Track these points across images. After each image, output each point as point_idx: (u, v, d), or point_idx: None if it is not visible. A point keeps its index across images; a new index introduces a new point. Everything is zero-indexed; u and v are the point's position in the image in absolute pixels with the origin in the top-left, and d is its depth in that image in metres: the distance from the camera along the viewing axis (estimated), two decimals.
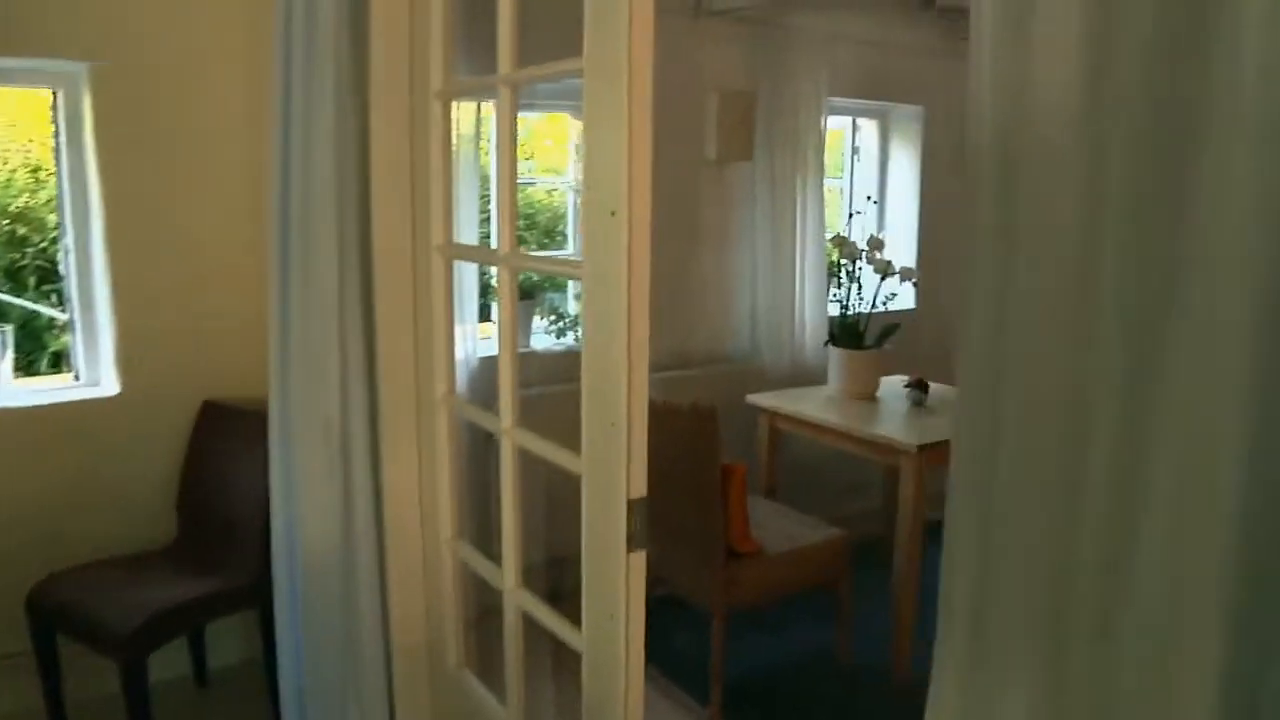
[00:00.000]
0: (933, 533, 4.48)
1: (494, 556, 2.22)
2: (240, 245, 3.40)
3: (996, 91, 1.34)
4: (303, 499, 2.41)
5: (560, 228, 5.11)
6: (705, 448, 3.20)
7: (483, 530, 2.61)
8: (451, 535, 2.38)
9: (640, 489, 1.67)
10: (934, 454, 3.69)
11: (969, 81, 1.39)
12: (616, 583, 1.69)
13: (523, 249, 3.66)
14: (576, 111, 4.40)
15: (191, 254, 3.39)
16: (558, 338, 4.37)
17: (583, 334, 1.74)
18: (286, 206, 2.30)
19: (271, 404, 2.47)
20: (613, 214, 1.60)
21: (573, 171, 4.55)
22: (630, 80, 1.54)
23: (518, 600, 2.12)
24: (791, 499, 4.48)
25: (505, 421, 2.01)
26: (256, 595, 2.95)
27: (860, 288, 4.47)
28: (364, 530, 2.43)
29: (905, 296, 5.46)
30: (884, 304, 4.44)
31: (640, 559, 1.69)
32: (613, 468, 1.67)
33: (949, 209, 5.72)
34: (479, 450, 2.96)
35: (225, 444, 3.33)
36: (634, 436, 1.64)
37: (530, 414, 2.06)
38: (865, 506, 5.24)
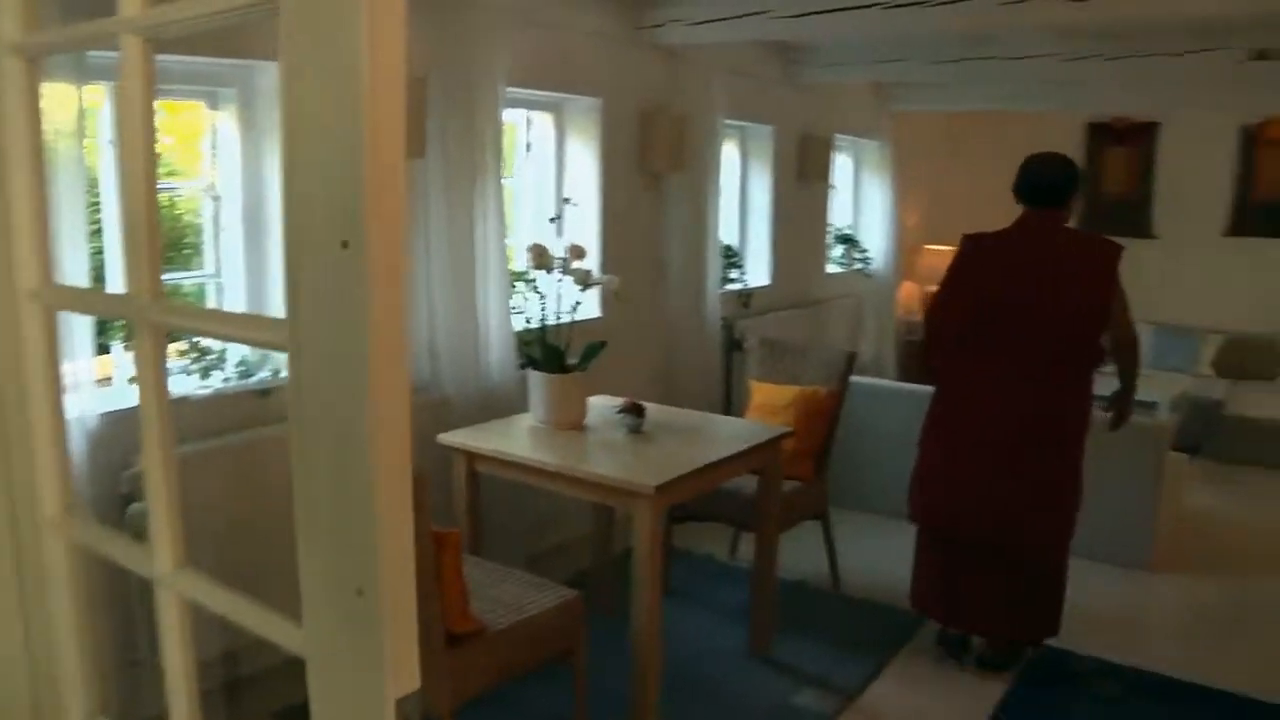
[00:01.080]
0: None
1: None
2: None
3: None
4: None
5: (189, 239, 4.22)
6: (414, 520, 2.56)
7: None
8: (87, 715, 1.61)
9: (412, 679, 1.05)
10: (671, 493, 3.25)
11: None
12: None
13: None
14: (212, 99, 3.57)
15: None
16: (202, 379, 3.53)
17: (291, 441, 1.09)
18: None
19: None
20: (344, 245, 0.97)
21: (209, 175, 3.71)
22: (372, 20, 0.91)
23: None
24: (485, 543, 3.91)
25: (163, 562, 1.31)
26: None
27: (544, 299, 3.98)
28: None
29: (590, 305, 5.03)
30: (566, 315, 3.97)
31: None
32: (363, 654, 1.04)
33: (632, 208, 5.35)
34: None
35: None
36: (399, 605, 1.02)
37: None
38: (566, 537, 4.78)
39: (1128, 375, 3.86)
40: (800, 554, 4.68)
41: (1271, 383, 7.77)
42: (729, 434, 3.87)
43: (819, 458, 4.49)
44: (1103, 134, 8.53)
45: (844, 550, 4.70)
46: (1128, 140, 8.47)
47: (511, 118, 4.90)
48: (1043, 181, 3.77)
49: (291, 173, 1.02)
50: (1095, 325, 3.67)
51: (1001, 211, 9.49)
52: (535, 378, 3.79)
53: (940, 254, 8.91)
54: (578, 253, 3.82)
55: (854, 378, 4.79)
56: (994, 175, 8.90)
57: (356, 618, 1.03)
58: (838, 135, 7.34)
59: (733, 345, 6.24)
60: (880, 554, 5.08)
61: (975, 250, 3.88)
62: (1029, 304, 3.66)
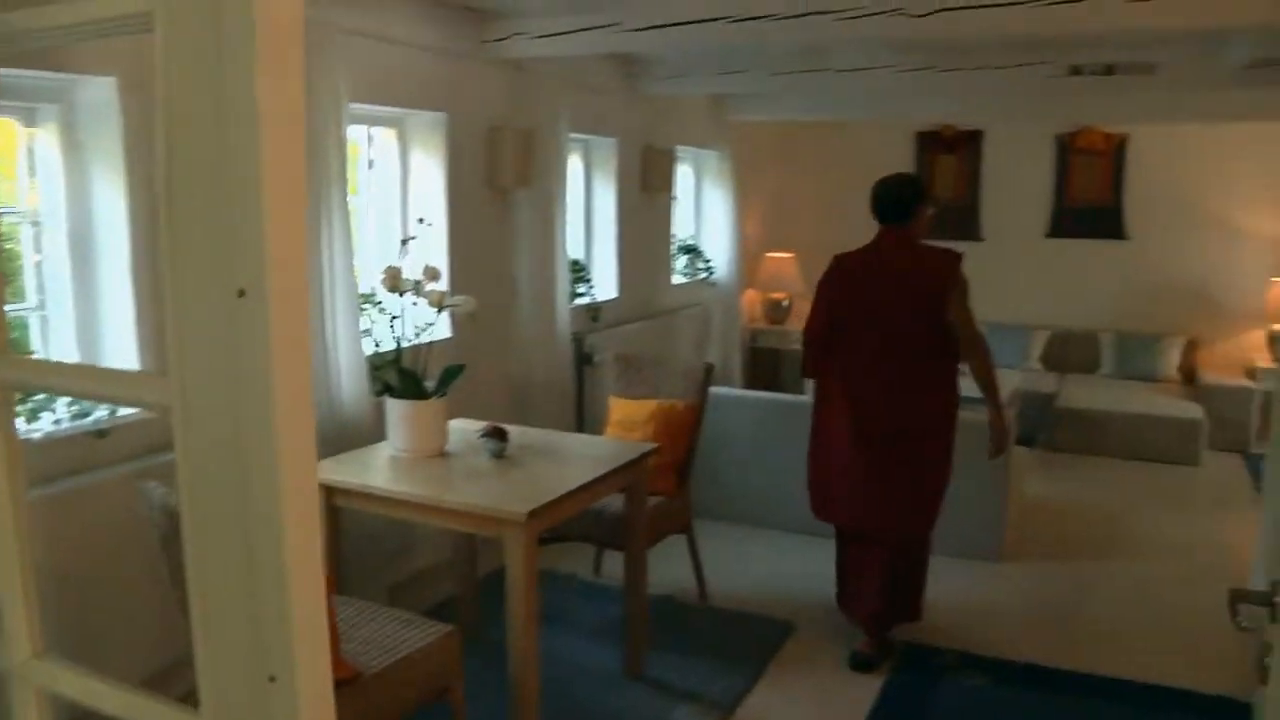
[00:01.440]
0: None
1: None
2: None
3: None
4: None
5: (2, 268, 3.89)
6: None
7: None
8: None
9: None
10: (543, 518, 3.16)
11: None
12: None
13: None
14: (28, 116, 3.29)
15: None
16: (30, 421, 3.26)
17: (184, 513, 0.97)
18: None
19: None
20: (241, 294, 0.87)
21: (26, 198, 3.43)
22: (267, 41, 0.82)
23: None
24: (344, 577, 3.75)
25: (19, 650, 1.16)
26: None
27: (396, 322, 3.85)
28: None
29: (440, 326, 4.90)
30: (416, 337, 3.85)
31: None
32: None
33: (480, 225, 5.24)
34: None
35: None
36: (316, 691, 0.92)
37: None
38: (428, 563, 4.64)
39: (982, 380, 4.04)
40: (666, 569, 4.65)
41: (1093, 375, 8.20)
42: (595, 454, 3.80)
43: (681, 471, 4.48)
44: (932, 142, 8.84)
45: (709, 562, 4.71)
46: (956, 148, 8.80)
47: (352, 134, 4.73)
48: (887, 200, 4.05)
49: (172, 213, 0.91)
50: (939, 329, 3.93)
51: (837, 219, 9.70)
52: (393, 405, 3.64)
53: (780, 261, 9.08)
54: (432, 274, 3.70)
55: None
56: (830, 183, 9.17)
57: (269, 706, 0.92)
58: (679, 146, 7.38)
59: (584, 360, 6.19)
60: (744, 563, 5.11)
61: (838, 268, 4.14)
62: (882, 314, 3.97)
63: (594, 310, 6.39)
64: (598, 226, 6.65)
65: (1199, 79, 5.59)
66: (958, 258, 3.99)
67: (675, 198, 7.62)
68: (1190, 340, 8.28)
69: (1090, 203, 8.45)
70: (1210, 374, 8.01)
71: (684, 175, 8.06)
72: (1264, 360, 7.90)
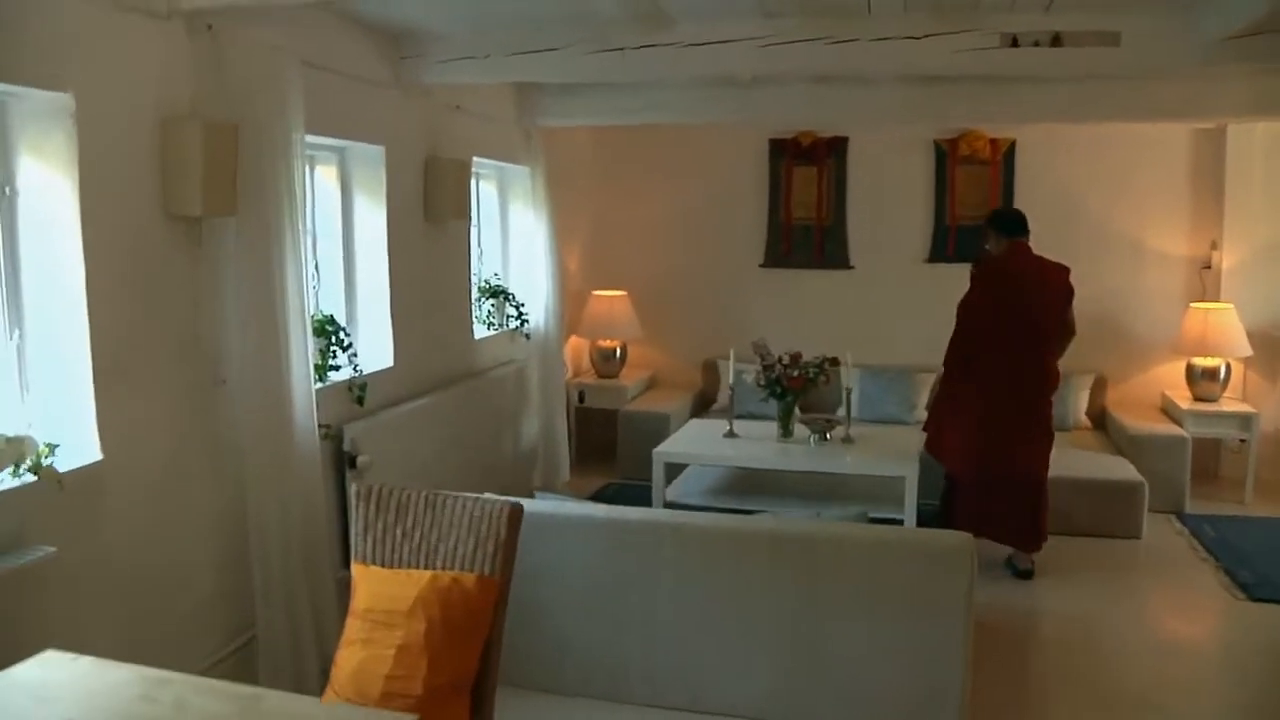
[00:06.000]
0: None
1: None
2: None
3: None
4: None
5: None
6: None
7: None
8: None
9: None
10: None
11: None
12: None
13: None
14: None
15: None
16: None
17: None
18: None
19: None
20: None
21: None
22: None
23: None
24: None
25: None
26: None
27: None
28: None
29: (77, 449, 3.00)
30: None
31: None
32: None
33: (156, 277, 3.31)
34: None
35: None
36: None
37: None
38: None
39: (1064, 348, 5.26)
40: None
41: None
42: None
43: (478, 694, 2.66)
44: (788, 151, 7.34)
45: None
46: (815, 158, 7.32)
47: None
48: (1016, 219, 5.23)
49: None
50: (1063, 320, 5.15)
51: (677, 246, 7.76)
52: None
53: (611, 300, 7.35)
54: None
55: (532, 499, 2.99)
56: (667, 204, 7.50)
57: None
58: (477, 159, 5.59)
59: (346, 463, 4.32)
60: None
61: (991, 271, 5.20)
62: (1028, 306, 5.05)
63: (358, 388, 4.50)
64: (361, 268, 4.78)
65: (1165, 54, 4.21)
66: (1069, 269, 5.13)
67: (475, 226, 5.83)
68: (1099, 378, 7.02)
69: (977, 221, 7.10)
70: (1123, 417, 6.73)
71: (485, 197, 6.28)
72: (1184, 399, 6.67)
